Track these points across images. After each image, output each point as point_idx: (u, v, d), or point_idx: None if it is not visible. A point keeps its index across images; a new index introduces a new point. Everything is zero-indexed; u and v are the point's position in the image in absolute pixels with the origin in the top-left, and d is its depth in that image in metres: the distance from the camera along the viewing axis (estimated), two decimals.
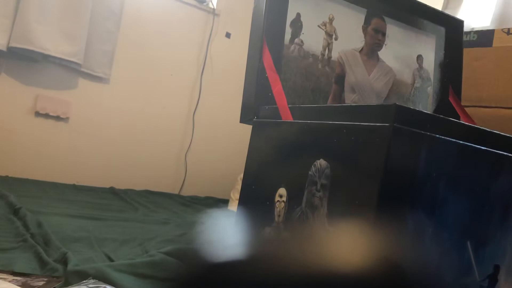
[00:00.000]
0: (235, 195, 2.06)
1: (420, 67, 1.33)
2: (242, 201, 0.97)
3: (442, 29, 1.36)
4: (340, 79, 1.18)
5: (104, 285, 0.87)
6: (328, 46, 1.17)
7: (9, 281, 0.87)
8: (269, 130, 0.95)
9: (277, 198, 0.83)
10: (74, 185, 2.05)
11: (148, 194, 2.16)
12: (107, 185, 2.14)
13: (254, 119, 0.99)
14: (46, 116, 2.05)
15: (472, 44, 1.49)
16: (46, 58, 1.96)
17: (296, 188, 0.79)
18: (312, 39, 1.14)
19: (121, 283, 0.91)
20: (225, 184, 2.32)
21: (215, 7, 2.46)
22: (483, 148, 0.71)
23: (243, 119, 1.07)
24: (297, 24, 1.13)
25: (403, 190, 0.65)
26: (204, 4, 2.44)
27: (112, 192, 2.06)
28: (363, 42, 1.23)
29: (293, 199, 0.79)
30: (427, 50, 1.34)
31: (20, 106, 1.99)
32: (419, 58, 1.32)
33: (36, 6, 1.86)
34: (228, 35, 2.53)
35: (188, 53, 2.43)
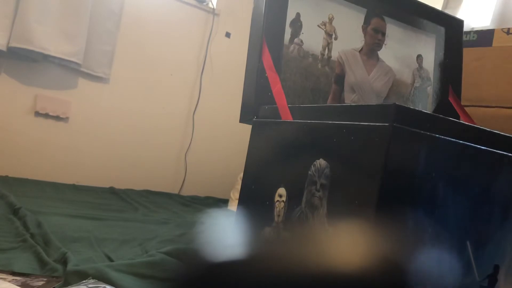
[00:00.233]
0: (235, 195, 2.06)
1: (420, 67, 1.32)
2: (242, 201, 0.97)
3: (442, 29, 1.36)
4: (340, 79, 1.18)
5: (103, 285, 0.87)
6: (328, 46, 1.17)
7: (9, 281, 0.87)
8: (269, 130, 0.95)
9: (276, 198, 0.83)
10: (74, 185, 2.05)
11: (148, 194, 2.16)
12: (107, 185, 2.14)
13: (254, 119, 0.99)
14: (46, 116, 2.05)
15: (472, 44, 1.49)
16: (46, 58, 1.96)
17: (296, 188, 0.79)
18: (311, 39, 1.14)
19: (120, 283, 0.91)
20: (225, 184, 2.32)
21: (215, 7, 2.46)
22: (483, 148, 0.71)
23: (243, 119, 1.07)
24: (296, 24, 1.13)
25: (403, 190, 0.64)
26: (204, 4, 2.44)
27: (112, 192, 2.06)
28: (363, 42, 1.23)
29: (293, 199, 0.79)
30: (427, 50, 1.34)
31: (20, 106, 1.99)
32: (419, 58, 1.32)
33: (36, 6, 1.86)
34: (228, 35, 2.53)
35: (188, 53, 2.43)
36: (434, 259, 0.66)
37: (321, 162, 0.74)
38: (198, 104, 2.45)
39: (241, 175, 1.01)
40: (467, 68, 1.37)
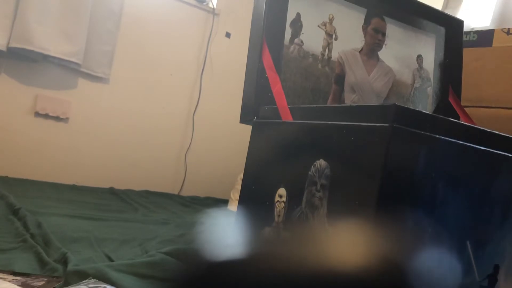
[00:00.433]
0: (235, 195, 2.06)
1: (420, 67, 1.33)
2: (242, 201, 0.97)
3: (442, 29, 1.36)
4: (340, 79, 1.18)
5: (104, 285, 0.87)
6: (328, 46, 1.17)
7: (9, 281, 0.87)
8: (269, 130, 0.95)
9: (277, 198, 0.83)
10: (73, 185, 2.05)
11: (147, 194, 2.16)
12: (106, 185, 2.14)
13: (254, 119, 0.99)
14: (46, 116, 2.05)
15: (472, 44, 1.49)
16: (45, 58, 1.96)
17: (296, 188, 0.79)
18: (312, 39, 1.14)
19: (120, 283, 0.91)
20: (225, 184, 2.32)
21: (215, 7, 2.46)
22: (482, 148, 0.71)
23: (243, 119, 1.07)
24: (297, 24, 1.13)
25: (403, 190, 0.65)
26: (204, 4, 2.44)
27: (112, 192, 2.06)
28: (363, 42, 1.23)
29: (293, 199, 0.79)
30: (427, 50, 1.34)
31: (20, 106, 1.99)
32: (419, 58, 1.33)
33: (36, 6, 1.86)
34: (228, 35, 2.53)
35: (188, 53, 2.43)
36: (434, 259, 0.67)
37: (321, 163, 0.74)
38: (198, 104, 2.45)
39: (241, 175, 1.01)
40: (467, 69, 1.38)
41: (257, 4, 1.09)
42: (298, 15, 1.13)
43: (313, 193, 0.74)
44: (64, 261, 1.03)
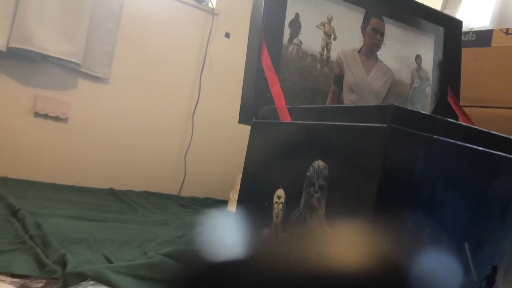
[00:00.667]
0: (234, 196, 2.05)
1: (419, 67, 1.32)
2: (241, 202, 0.97)
3: (441, 29, 1.36)
4: (339, 79, 1.18)
5: (103, 287, 0.87)
6: (327, 46, 1.17)
7: (8, 283, 0.87)
8: (268, 130, 0.95)
9: (275, 199, 0.83)
10: (73, 186, 2.05)
11: (147, 195, 2.16)
12: (106, 186, 2.14)
13: (253, 120, 0.99)
14: (46, 116, 2.05)
15: (470, 44, 1.49)
16: (45, 58, 1.96)
17: (295, 189, 0.79)
18: (310, 39, 1.14)
19: (120, 285, 0.91)
20: (224, 184, 2.32)
21: (214, 7, 2.46)
22: (481, 148, 0.71)
23: (242, 120, 1.07)
24: (295, 24, 1.13)
25: (401, 191, 0.64)
26: (204, 4, 2.43)
27: (111, 193, 2.06)
28: (362, 42, 1.23)
29: (292, 200, 0.79)
30: (425, 50, 1.34)
31: (20, 107, 1.99)
32: (418, 58, 1.32)
33: (36, 6, 1.86)
34: (227, 35, 2.53)
35: (188, 53, 2.43)
36: (432, 260, 0.66)
37: (319, 163, 0.74)
38: (197, 104, 2.45)
39: (241, 175, 1.01)
40: (466, 69, 1.38)
41: (256, 4, 1.09)
42: (297, 15, 1.13)
43: (311, 194, 0.74)
44: (63, 262, 1.03)
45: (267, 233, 0.84)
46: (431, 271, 0.65)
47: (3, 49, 1.85)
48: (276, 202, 0.83)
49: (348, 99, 1.19)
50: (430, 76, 1.34)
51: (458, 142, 0.68)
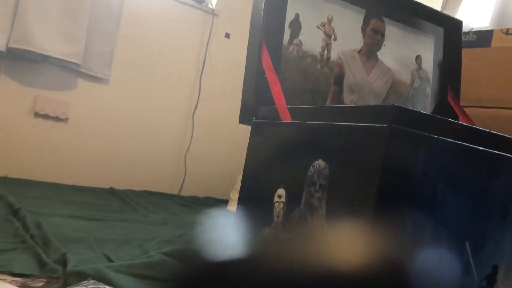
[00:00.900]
0: (234, 196, 2.06)
1: (419, 67, 1.33)
2: (241, 202, 0.97)
3: (441, 30, 1.36)
4: (339, 79, 1.18)
5: (103, 286, 0.87)
6: (327, 46, 1.17)
7: (9, 282, 0.87)
8: (268, 130, 0.95)
9: (276, 198, 0.83)
10: (73, 185, 2.05)
11: (147, 194, 2.17)
12: (106, 185, 2.14)
13: (253, 120, 0.99)
14: (46, 116, 2.05)
15: (471, 45, 1.50)
16: (45, 59, 1.96)
17: (295, 188, 0.79)
18: (311, 40, 1.14)
19: (120, 284, 0.91)
20: (224, 184, 2.32)
21: (214, 8, 2.46)
22: (481, 148, 0.71)
23: (242, 120, 1.08)
24: (296, 25, 1.13)
25: (402, 191, 0.65)
26: (203, 4, 2.44)
27: (112, 192, 2.06)
28: (362, 43, 1.23)
29: (292, 200, 0.80)
30: (426, 50, 1.34)
31: (20, 107, 1.99)
32: (418, 58, 1.33)
33: (35, 6, 1.86)
34: (227, 35, 2.53)
35: (187, 54, 2.43)
36: (433, 260, 0.67)
37: (320, 163, 0.74)
38: (197, 104, 2.46)
39: (241, 175, 1.01)
40: (466, 69, 1.38)
41: (256, 4, 1.09)
42: (297, 15, 1.13)
43: (312, 193, 0.75)
44: (63, 261, 1.03)
45: (268, 232, 0.84)
46: (431, 270, 0.65)
47: (3, 49, 1.85)
48: (277, 201, 0.83)
49: (349, 99, 1.19)
50: (430, 76, 1.34)
51: (459, 142, 0.68)
